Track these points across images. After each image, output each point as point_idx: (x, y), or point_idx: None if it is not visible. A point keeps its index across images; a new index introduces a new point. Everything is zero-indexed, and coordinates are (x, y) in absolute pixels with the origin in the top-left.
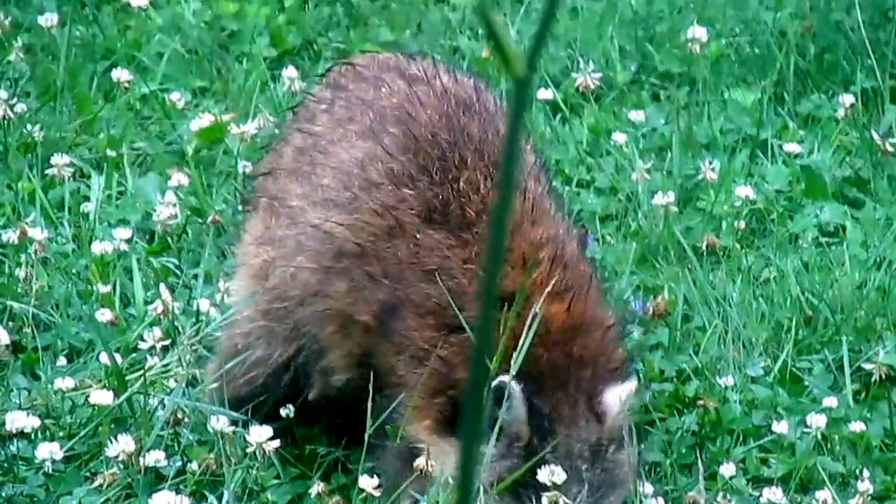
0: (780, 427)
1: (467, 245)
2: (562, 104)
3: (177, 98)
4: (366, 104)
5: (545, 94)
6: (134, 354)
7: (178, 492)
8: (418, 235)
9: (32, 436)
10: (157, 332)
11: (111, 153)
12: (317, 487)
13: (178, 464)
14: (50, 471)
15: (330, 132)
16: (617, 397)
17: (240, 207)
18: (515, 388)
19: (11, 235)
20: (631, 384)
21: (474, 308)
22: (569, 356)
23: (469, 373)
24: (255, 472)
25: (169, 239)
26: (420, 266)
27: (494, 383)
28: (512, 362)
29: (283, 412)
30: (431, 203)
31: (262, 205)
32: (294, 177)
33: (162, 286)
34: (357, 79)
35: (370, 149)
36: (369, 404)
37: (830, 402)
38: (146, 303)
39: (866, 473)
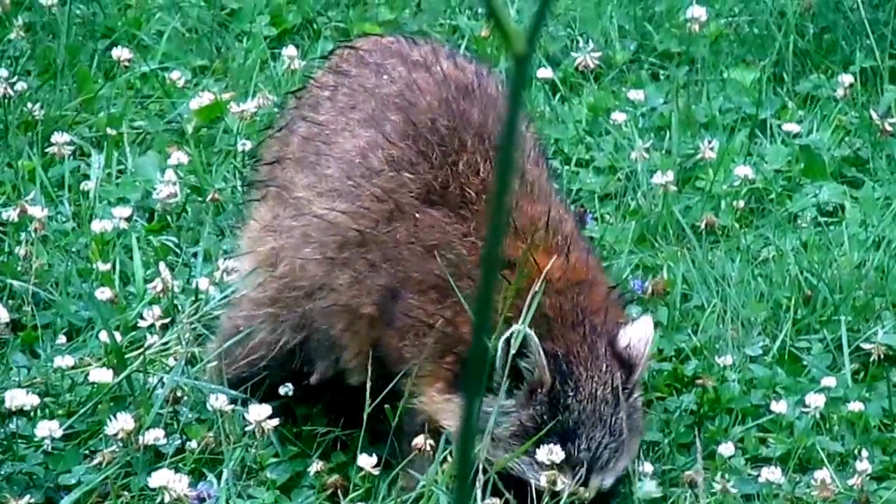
0: (779, 406)
1: (466, 220)
2: (561, 84)
3: (177, 77)
4: (367, 91)
5: (545, 73)
6: (133, 333)
7: (177, 470)
8: (417, 215)
9: (32, 414)
10: (157, 310)
11: (111, 131)
12: (316, 466)
13: (177, 442)
14: (49, 449)
15: (333, 121)
16: (642, 342)
17: (240, 187)
18: (531, 334)
19: (11, 213)
20: (651, 323)
21: (475, 277)
22: (576, 304)
23: (472, 332)
24: (254, 450)
25: (168, 217)
26: (420, 244)
27: (506, 334)
28: (523, 313)
29: (281, 391)
30: (431, 185)
31: (272, 193)
32: (300, 167)
33: (161, 264)
34: (359, 64)
35: (371, 137)
36: (368, 385)
37: (829, 381)
38: (146, 281)
39: (865, 453)
